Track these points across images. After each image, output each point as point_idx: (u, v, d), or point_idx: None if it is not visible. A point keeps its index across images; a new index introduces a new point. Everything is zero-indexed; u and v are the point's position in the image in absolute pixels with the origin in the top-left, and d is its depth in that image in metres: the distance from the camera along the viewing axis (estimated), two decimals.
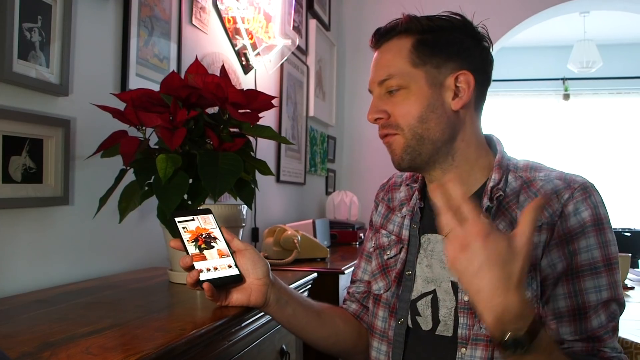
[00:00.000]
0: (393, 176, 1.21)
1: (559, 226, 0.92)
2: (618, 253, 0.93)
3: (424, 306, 1.02)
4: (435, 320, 1.00)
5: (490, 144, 1.06)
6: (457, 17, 1.02)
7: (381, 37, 1.03)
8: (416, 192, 1.10)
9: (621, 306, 0.93)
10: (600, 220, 0.92)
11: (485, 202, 0.97)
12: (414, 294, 1.03)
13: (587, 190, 0.94)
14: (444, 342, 0.98)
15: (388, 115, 1.00)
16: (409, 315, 1.03)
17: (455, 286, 0.99)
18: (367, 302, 1.16)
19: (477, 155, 1.02)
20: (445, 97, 0.98)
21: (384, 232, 1.14)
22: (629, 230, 5.24)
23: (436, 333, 1.00)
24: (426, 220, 1.07)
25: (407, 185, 1.15)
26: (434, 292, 1.01)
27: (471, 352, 0.94)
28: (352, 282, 1.21)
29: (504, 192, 0.98)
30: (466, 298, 0.96)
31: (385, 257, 1.10)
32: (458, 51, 0.99)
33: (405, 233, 1.08)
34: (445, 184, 0.77)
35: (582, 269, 0.90)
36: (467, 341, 0.95)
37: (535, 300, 0.91)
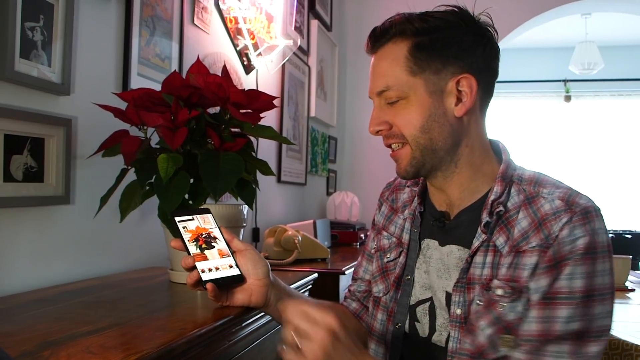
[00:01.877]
0: None
1: (551, 251, 0.86)
2: (609, 283, 0.86)
3: (421, 313, 1.01)
4: (432, 329, 0.99)
5: (495, 150, 1.02)
6: (455, 11, 0.96)
7: (376, 40, 0.98)
8: (416, 196, 1.07)
9: (602, 341, 0.86)
10: (594, 248, 0.85)
11: (485, 216, 0.93)
12: (413, 299, 1.02)
13: (587, 216, 0.86)
14: (440, 351, 0.97)
15: (390, 126, 0.96)
16: (408, 320, 1.02)
17: (448, 298, 0.96)
18: (368, 301, 1.16)
19: (482, 161, 0.98)
20: (447, 104, 0.94)
21: (385, 233, 1.13)
22: (630, 233, 5.24)
23: (432, 341, 0.99)
24: (426, 225, 1.05)
25: (410, 187, 1.13)
26: (431, 299, 1.00)
27: None
28: (354, 279, 1.20)
29: (505, 207, 0.93)
30: (458, 311, 0.93)
31: (385, 259, 1.09)
32: (457, 53, 0.93)
33: (405, 237, 1.06)
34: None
35: (558, 296, 0.85)
36: (455, 355, 0.92)
37: (518, 323, 0.88)
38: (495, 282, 0.90)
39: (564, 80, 6.05)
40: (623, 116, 6.00)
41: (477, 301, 0.91)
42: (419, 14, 0.96)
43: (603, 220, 0.88)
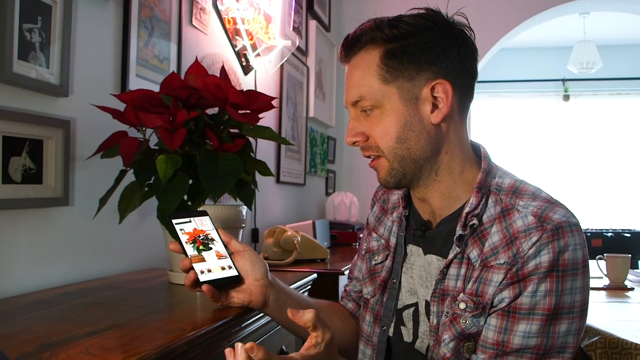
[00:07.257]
0: None
1: (515, 268, 0.85)
2: (580, 301, 0.86)
3: (407, 318, 1.01)
4: (415, 335, 0.99)
5: (478, 155, 0.99)
6: (426, 14, 0.93)
7: (349, 49, 0.96)
8: (401, 199, 1.06)
9: (565, 358, 0.86)
10: (558, 266, 0.84)
11: (459, 229, 0.91)
12: (400, 303, 1.02)
13: (558, 232, 0.84)
14: (422, 358, 0.97)
15: (366, 137, 0.94)
16: (393, 324, 1.02)
17: (428, 307, 0.96)
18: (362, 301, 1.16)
19: (462, 168, 0.96)
20: (422, 111, 0.92)
21: (374, 235, 1.12)
22: (629, 232, 5.25)
23: (415, 347, 0.98)
24: (411, 230, 1.03)
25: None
26: (416, 305, 1.00)
27: None
28: (350, 279, 1.20)
29: (480, 220, 0.91)
30: (435, 322, 0.93)
31: (373, 262, 1.09)
32: (430, 58, 0.90)
33: (392, 240, 1.06)
34: None
35: (519, 311, 0.85)
36: None
37: (480, 334, 0.89)
38: (461, 296, 0.90)
39: (562, 80, 6.06)
40: (621, 115, 6.00)
41: (446, 313, 0.91)
42: (390, 19, 0.93)
43: (578, 236, 0.86)
